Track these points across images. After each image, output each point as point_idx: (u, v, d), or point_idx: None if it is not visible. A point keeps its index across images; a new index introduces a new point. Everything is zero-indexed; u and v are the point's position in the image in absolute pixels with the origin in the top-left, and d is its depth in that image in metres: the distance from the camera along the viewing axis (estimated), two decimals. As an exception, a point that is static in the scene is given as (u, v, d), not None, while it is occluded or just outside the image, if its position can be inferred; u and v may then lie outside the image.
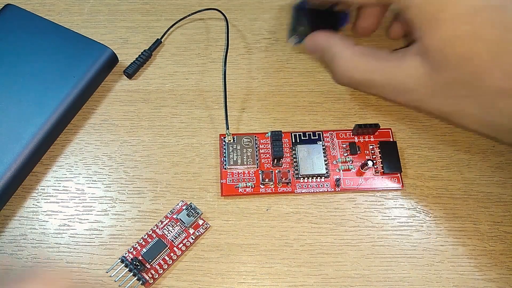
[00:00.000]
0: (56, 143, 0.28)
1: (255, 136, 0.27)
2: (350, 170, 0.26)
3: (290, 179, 0.26)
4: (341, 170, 0.26)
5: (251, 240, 0.25)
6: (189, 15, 0.31)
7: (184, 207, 0.25)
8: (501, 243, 0.25)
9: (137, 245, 0.24)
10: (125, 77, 0.30)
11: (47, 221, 0.25)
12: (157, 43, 0.30)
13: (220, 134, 0.27)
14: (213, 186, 0.26)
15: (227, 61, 0.30)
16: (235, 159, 0.26)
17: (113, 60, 0.29)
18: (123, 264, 0.24)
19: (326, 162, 0.26)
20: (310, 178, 0.26)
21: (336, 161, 0.27)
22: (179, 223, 0.25)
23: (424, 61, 0.23)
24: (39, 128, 0.26)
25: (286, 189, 0.26)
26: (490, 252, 0.25)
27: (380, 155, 0.27)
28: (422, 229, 0.25)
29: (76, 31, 0.29)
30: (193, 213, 0.25)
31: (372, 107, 0.29)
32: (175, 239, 0.24)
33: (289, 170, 0.26)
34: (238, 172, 0.26)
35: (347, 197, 0.26)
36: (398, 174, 0.26)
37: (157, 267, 0.24)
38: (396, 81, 0.25)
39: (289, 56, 0.31)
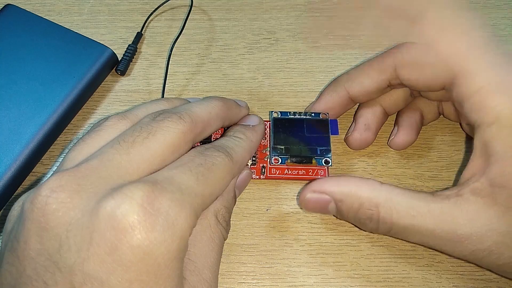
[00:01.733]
0: (56, 143, 0.28)
1: None
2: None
3: None
4: (268, 159, 0.26)
5: (251, 240, 0.25)
6: (163, 3, 0.32)
7: None
8: (501, 243, 0.25)
9: None
10: (126, 77, 0.30)
11: (47, 221, 0.25)
12: (138, 36, 0.31)
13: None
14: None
15: (226, 60, 0.30)
16: None
17: (113, 60, 0.29)
18: None
19: (255, 155, 0.26)
20: None
21: (265, 150, 0.27)
22: None
23: (496, 200, 0.19)
24: (39, 128, 0.26)
25: None
26: (490, 252, 0.25)
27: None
28: (422, 229, 0.25)
29: (76, 31, 0.29)
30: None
31: (372, 107, 0.29)
32: None
33: None
34: None
35: (347, 197, 0.26)
36: (325, 167, 0.26)
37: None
38: (452, 226, 0.20)
39: (289, 56, 0.31)
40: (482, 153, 0.20)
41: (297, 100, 0.29)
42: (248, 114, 0.25)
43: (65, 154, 0.19)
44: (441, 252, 0.22)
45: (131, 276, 0.15)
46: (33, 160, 0.26)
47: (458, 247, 0.20)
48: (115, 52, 0.29)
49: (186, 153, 0.19)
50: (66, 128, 0.28)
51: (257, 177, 0.26)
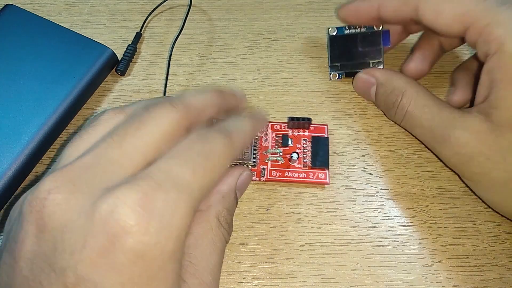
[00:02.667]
0: (56, 143, 0.28)
1: None
2: (278, 162, 0.27)
3: None
4: (269, 161, 0.27)
5: (251, 240, 0.25)
6: (162, 2, 0.32)
7: None
8: (501, 243, 0.25)
9: None
10: (126, 77, 0.30)
11: (47, 221, 0.25)
12: (138, 36, 0.31)
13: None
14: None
15: (226, 60, 0.30)
16: None
17: (113, 60, 0.29)
18: None
19: (255, 152, 0.26)
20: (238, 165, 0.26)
21: (266, 152, 0.27)
22: None
23: (491, 118, 0.22)
24: (39, 128, 0.26)
25: None
26: (490, 252, 0.25)
27: (310, 149, 0.27)
28: (422, 229, 0.25)
29: (76, 31, 0.29)
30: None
31: (372, 107, 0.29)
32: None
33: None
34: None
35: (347, 197, 0.26)
36: (326, 170, 0.26)
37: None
38: (449, 129, 0.23)
39: (289, 56, 0.31)
40: (486, 80, 0.23)
41: (297, 100, 0.29)
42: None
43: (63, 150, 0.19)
44: (431, 150, 0.26)
45: (123, 279, 0.15)
46: (33, 160, 0.26)
47: (445, 147, 0.24)
48: (115, 52, 0.29)
49: (184, 139, 0.19)
50: (66, 128, 0.28)
51: (257, 179, 0.26)
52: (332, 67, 0.29)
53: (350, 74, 0.29)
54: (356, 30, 0.28)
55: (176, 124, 0.18)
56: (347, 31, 0.28)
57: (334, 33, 0.29)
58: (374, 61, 0.28)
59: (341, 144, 0.28)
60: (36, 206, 0.15)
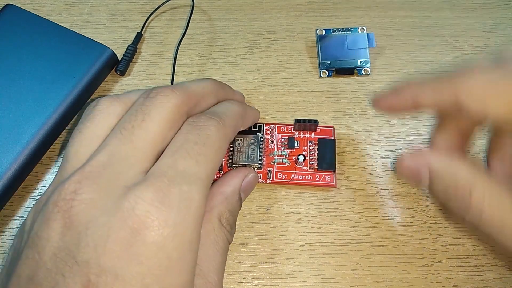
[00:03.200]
0: (56, 143, 0.28)
1: None
2: (285, 164, 0.27)
3: (222, 166, 0.26)
4: (275, 163, 0.26)
5: (251, 240, 0.25)
6: (163, 3, 0.32)
7: None
8: (501, 243, 0.25)
9: None
10: (126, 77, 0.30)
11: (47, 221, 0.25)
12: (138, 36, 0.31)
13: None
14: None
15: (226, 60, 0.30)
16: None
17: (113, 60, 0.29)
18: None
19: (261, 154, 0.26)
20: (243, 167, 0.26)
21: (272, 154, 0.27)
22: None
23: None
24: (39, 128, 0.26)
25: (217, 176, 0.26)
26: (490, 252, 0.25)
27: (317, 151, 0.27)
28: (422, 229, 0.25)
29: (76, 31, 0.29)
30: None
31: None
32: None
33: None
34: None
35: (347, 197, 0.26)
36: (332, 172, 0.26)
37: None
38: None
39: (289, 56, 0.31)
40: None
41: (297, 100, 0.29)
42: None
43: (66, 147, 0.19)
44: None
45: (144, 270, 0.15)
46: (33, 160, 0.26)
47: None
48: (115, 52, 0.29)
49: (178, 132, 0.19)
50: (66, 128, 0.28)
51: (263, 181, 0.26)
52: (322, 65, 0.30)
53: (340, 72, 0.30)
54: (343, 33, 0.30)
55: (177, 110, 0.19)
56: (334, 33, 0.30)
57: (323, 34, 0.31)
58: (361, 60, 0.30)
59: (341, 144, 0.28)
60: (63, 206, 0.16)
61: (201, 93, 0.21)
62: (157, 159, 0.18)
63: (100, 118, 0.19)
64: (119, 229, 0.15)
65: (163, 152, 0.18)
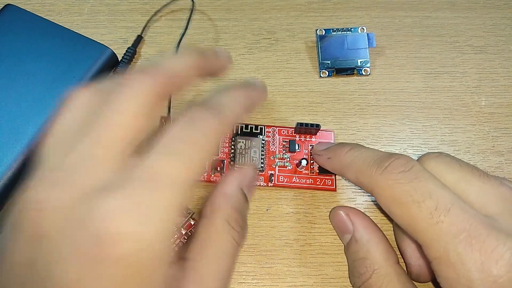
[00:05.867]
0: (56, 143, 0.28)
1: None
2: (286, 167, 0.26)
3: (224, 168, 0.26)
4: (277, 166, 0.26)
5: (251, 240, 0.25)
6: (165, 6, 0.32)
7: None
8: (501, 243, 0.25)
9: None
10: (125, 77, 0.30)
11: (47, 221, 0.25)
12: (138, 39, 0.31)
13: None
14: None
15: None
16: None
17: (113, 60, 0.29)
18: None
19: (263, 157, 0.26)
20: None
21: (274, 157, 0.27)
22: None
23: None
24: (39, 128, 0.26)
25: (218, 179, 0.26)
26: (490, 252, 0.25)
27: None
28: (422, 229, 0.25)
29: (76, 31, 0.29)
30: (183, 213, 0.24)
31: (372, 107, 0.29)
32: None
33: (224, 160, 0.26)
34: None
35: (347, 197, 0.26)
36: (333, 176, 0.26)
37: None
38: None
39: (289, 56, 0.31)
40: None
41: (297, 100, 0.29)
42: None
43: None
44: None
45: (113, 286, 0.14)
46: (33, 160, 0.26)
47: None
48: (115, 52, 0.29)
49: (168, 126, 0.17)
50: (66, 128, 0.28)
51: (265, 184, 0.26)
52: (322, 65, 0.30)
53: (340, 72, 0.30)
54: (343, 33, 0.30)
55: (152, 96, 0.16)
56: (334, 33, 0.30)
57: (323, 34, 0.30)
58: (361, 60, 0.30)
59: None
60: (27, 215, 0.15)
61: (180, 71, 0.18)
62: (138, 154, 0.16)
63: (70, 112, 0.17)
64: (85, 242, 0.14)
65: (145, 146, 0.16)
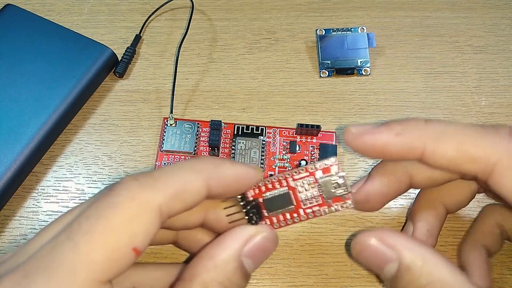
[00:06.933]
0: (56, 143, 0.28)
1: (198, 123, 0.27)
2: (286, 168, 0.26)
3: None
4: (276, 167, 0.26)
5: (251, 240, 0.25)
6: (162, 5, 0.31)
7: None
8: (501, 243, 0.25)
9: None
10: (125, 77, 0.30)
11: (47, 221, 0.25)
12: (137, 38, 0.31)
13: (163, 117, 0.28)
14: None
15: (226, 60, 0.30)
16: (172, 143, 0.27)
17: (113, 60, 0.29)
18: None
19: (263, 158, 0.26)
20: None
21: (273, 158, 0.27)
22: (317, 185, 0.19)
23: None
24: (39, 128, 0.26)
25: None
26: (490, 252, 0.25)
27: (318, 156, 0.27)
28: (422, 229, 0.25)
29: (76, 31, 0.29)
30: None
31: (372, 107, 0.29)
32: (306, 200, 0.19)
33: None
34: (174, 156, 0.27)
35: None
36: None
37: (274, 219, 0.19)
38: None
39: (289, 56, 0.31)
40: None
41: (297, 100, 0.29)
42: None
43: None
44: None
45: None
46: (33, 160, 0.26)
47: None
48: (115, 52, 0.29)
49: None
50: (66, 128, 0.28)
51: None
52: (322, 65, 0.30)
53: (340, 72, 0.30)
54: (343, 33, 0.30)
55: (143, 210, 0.14)
56: (334, 33, 0.30)
57: (323, 34, 0.30)
58: (361, 60, 0.30)
59: (341, 144, 0.28)
60: None
61: (182, 183, 0.15)
62: None
63: (51, 227, 0.15)
64: None
65: None
